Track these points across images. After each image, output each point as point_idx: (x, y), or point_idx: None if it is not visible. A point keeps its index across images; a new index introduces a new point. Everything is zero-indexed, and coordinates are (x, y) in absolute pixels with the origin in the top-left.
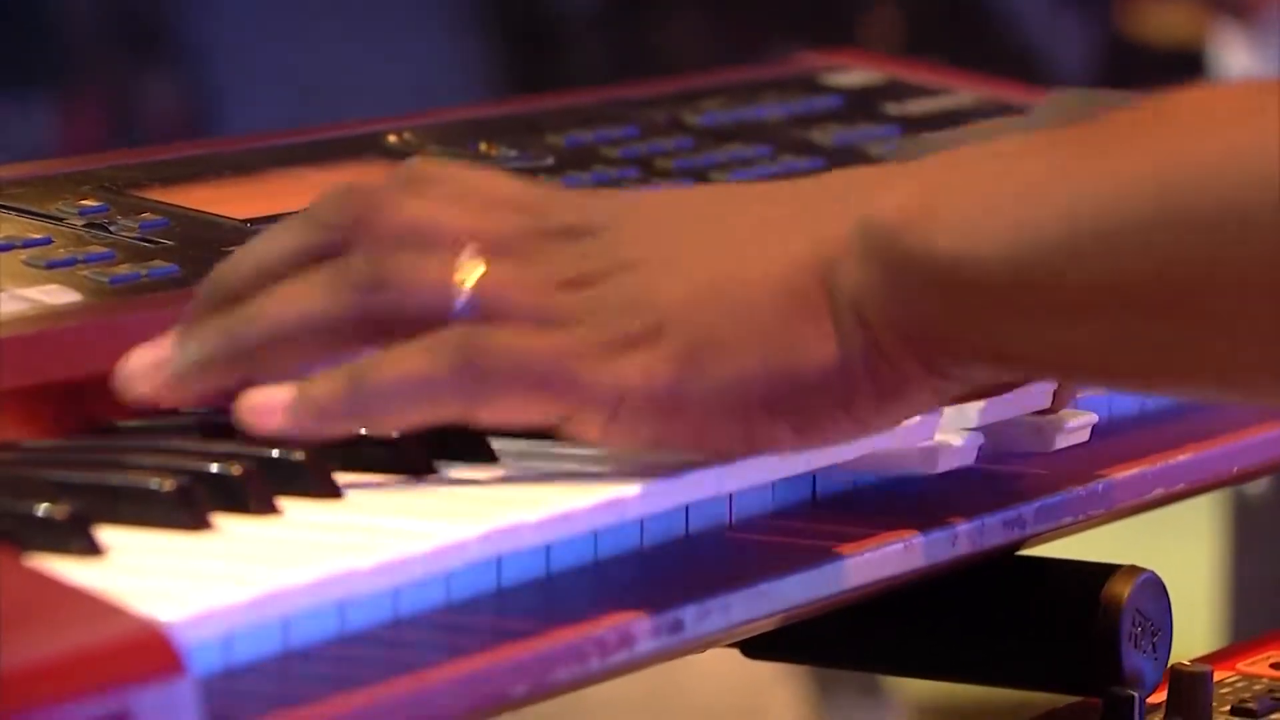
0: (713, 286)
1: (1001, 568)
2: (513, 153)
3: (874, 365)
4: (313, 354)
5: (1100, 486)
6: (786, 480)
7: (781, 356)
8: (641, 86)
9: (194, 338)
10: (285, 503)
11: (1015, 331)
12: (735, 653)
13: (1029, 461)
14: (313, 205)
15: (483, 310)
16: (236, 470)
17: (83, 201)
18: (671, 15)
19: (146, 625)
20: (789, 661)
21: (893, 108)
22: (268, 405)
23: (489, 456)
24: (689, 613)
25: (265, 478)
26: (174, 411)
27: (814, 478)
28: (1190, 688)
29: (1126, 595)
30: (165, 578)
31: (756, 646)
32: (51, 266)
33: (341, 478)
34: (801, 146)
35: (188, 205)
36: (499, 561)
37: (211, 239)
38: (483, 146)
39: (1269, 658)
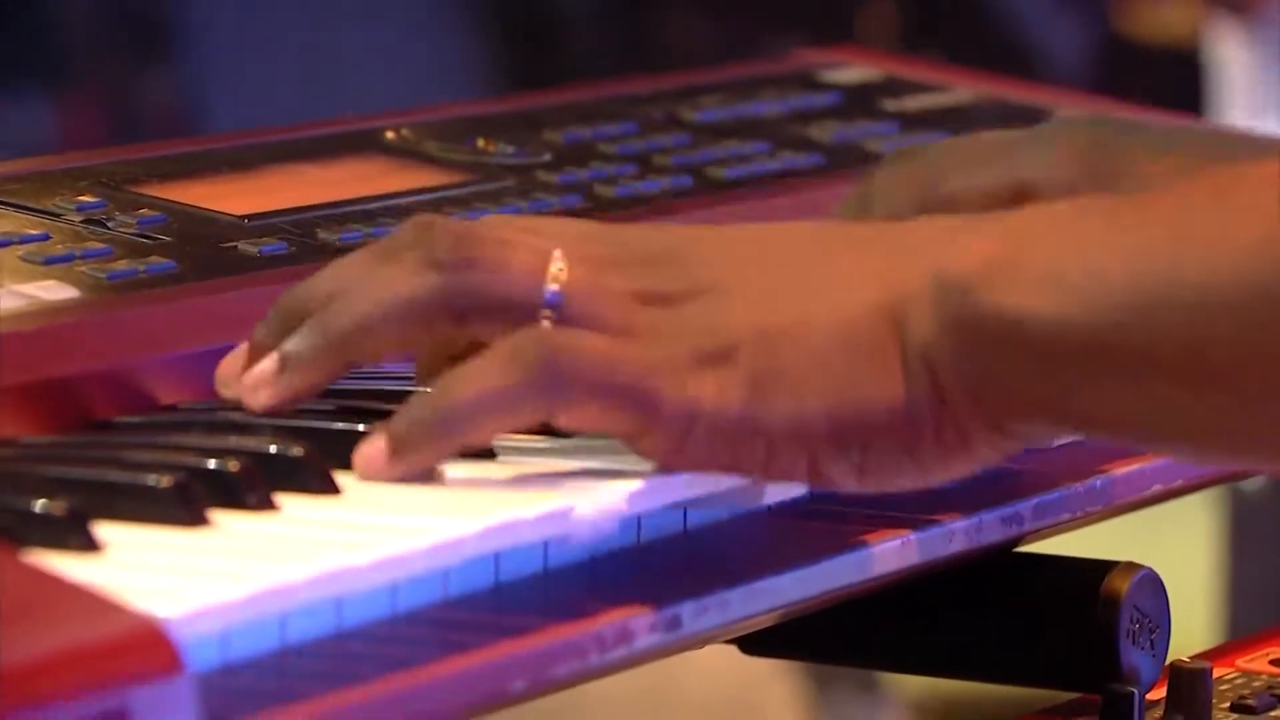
0: (788, 319)
1: (999, 564)
2: (511, 149)
3: (939, 416)
4: (404, 339)
5: (1098, 483)
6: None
7: (849, 395)
8: (640, 83)
9: (288, 337)
10: (283, 499)
11: (1080, 393)
12: (732, 649)
13: (1027, 458)
14: (385, 238)
15: (567, 308)
16: (234, 466)
17: (81, 197)
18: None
19: (144, 621)
20: (786, 658)
21: (891, 104)
22: (367, 455)
23: (487, 453)
24: (687, 609)
25: (263, 474)
26: (171, 407)
27: None
28: (1190, 684)
29: (1124, 591)
30: (163, 574)
31: (754, 643)
32: (49, 263)
33: (341, 474)
34: (800, 143)
35: (186, 201)
36: (496, 558)
37: (209, 235)
38: (481, 142)
39: (1268, 654)
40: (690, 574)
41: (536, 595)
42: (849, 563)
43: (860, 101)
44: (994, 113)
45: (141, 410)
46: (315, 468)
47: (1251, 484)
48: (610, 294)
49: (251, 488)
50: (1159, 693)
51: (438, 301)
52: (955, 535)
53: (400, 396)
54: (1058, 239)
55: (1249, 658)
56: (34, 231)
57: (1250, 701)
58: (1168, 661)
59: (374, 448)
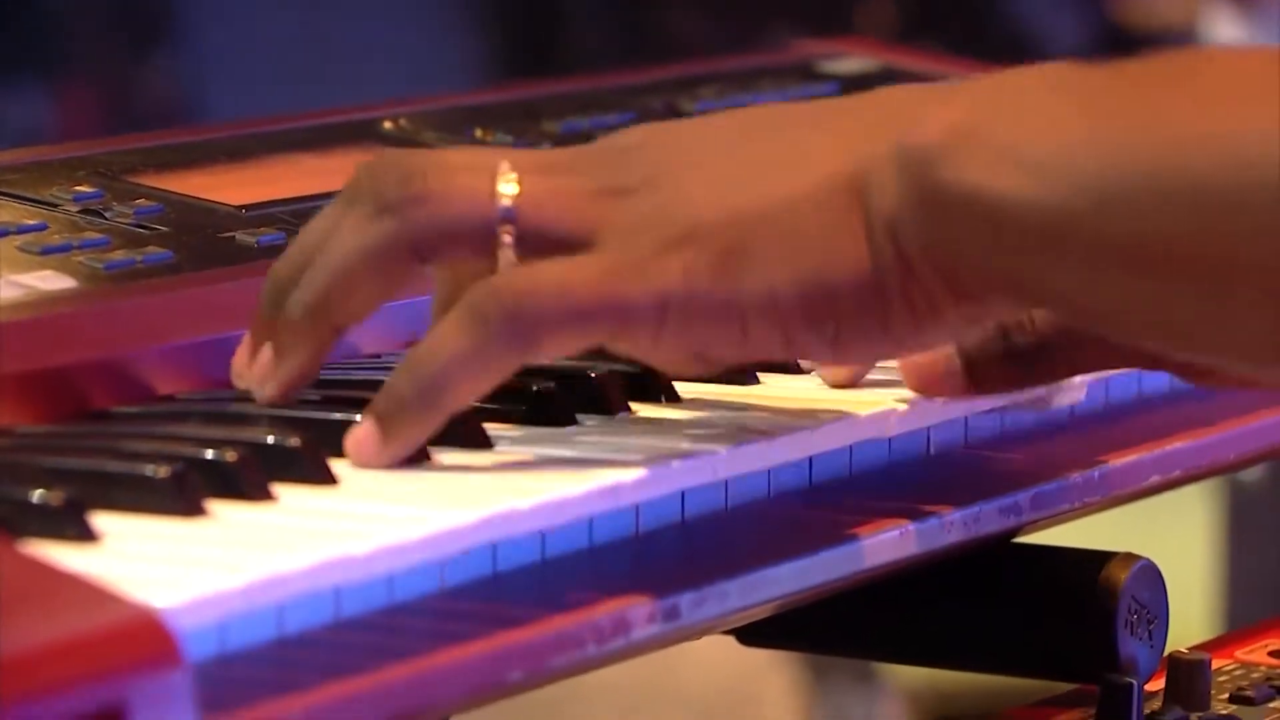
0: (750, 195)
1: (997, 555)
2: (509, 139)
3: (906, 285)
4: (379, 291)
5: (1096, 473)
6: (782, 466)
7: (815, 266)
8: (639, 73)
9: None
10: (280, 489)
11: (1036, 271)
12: (730, 639)
13: (1025, 447)
14: (345, 184)
15: (524, 219)
16: (231, 457)
17: (78, 187)
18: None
19: (141, 612)
20: (784, 648)
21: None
22: (358, 440)
23: (484, 443)
24: (685, 600)
25: (260, 464)
26: (169, 398)
27: (810, 464)
28: (1188, 675)
29: (1123, 582)
30: (160, 564)
31: (751, 633)
32: (46, 253)
33: (338, 464)
34: None
35: (183, 191)
36: (494, 548)
37: (206, 225)
38: (479, 132)
39: (1267, 645)
40: (688, 565)
41: (534, 585)
42: (847, 553)
43: (859, 92)
44: None
45: (139, 400)
46: (312, 458)
47: (1250, 475)
48: (565, 195)
49: (249, 478)
50: (1157, 684)
51: (395, 247)
52: (953, 526)
53: None
54: (1022, 114)
55: (1248, 649)
56: (31, 221)
57: (1249, 693)
58: (1166, 653)
59: (363, 432)
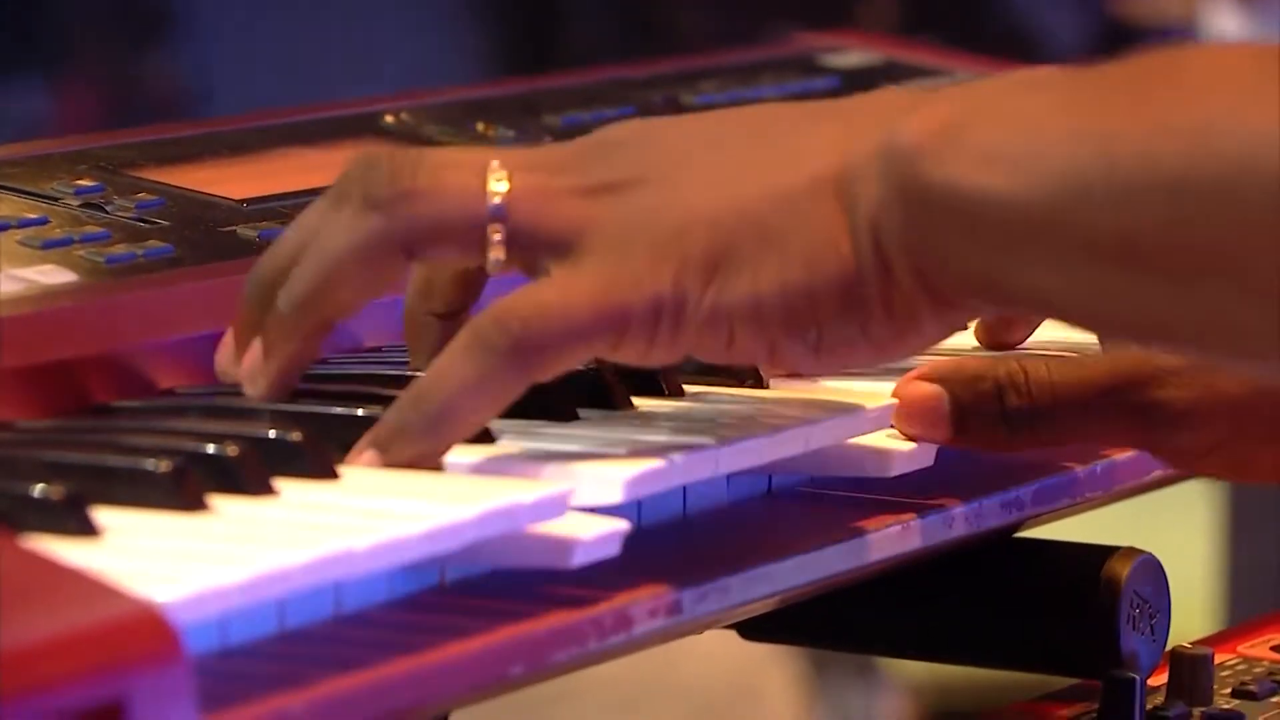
0: (736, 196)
1: (999, 549)
2: (510, 132)
3: (886, 290)
4: (366, 287)
5: (1098, 468)
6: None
7: (797, 271)
8: (639, 67)
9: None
10: (281, 484)
11: (1015, 270)
12: (731, 634)
13: None
14: (336, 179)
15: (513, 217)
16: (232, 451)
17: (79, 181)
18: None
19: (142, 606)
20: (785, 643)
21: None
22: (360, 467)
23: (486, 437)
24: (687, 595)
25: (261, 459)
26: (170, 392)
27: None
28: (1191, 670)
29: (1125, 577)
30: (161, 559)
31: (753, 627)
32: (47, 246)
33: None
34: None
35: (184, 185)
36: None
37: (208, 219)
38: (480, 126)
39: (1269, 640)
40: (690, 560)
41: (536, 580)
42: (849, 548)
43: (859, 86)
44: None
45: (140, 394)
46: (313, 452)
47: None
48: (554, 194)
49: (250, 472)
50: (1160, 678)
51: (384, 242)
52: (955, 520)
53: (398, 380)
54: (1006, 112)
55: (1250, 643)
56: (32, 215)
57: (1252, 687)
58: (1168, 647)
59: (364, 460)
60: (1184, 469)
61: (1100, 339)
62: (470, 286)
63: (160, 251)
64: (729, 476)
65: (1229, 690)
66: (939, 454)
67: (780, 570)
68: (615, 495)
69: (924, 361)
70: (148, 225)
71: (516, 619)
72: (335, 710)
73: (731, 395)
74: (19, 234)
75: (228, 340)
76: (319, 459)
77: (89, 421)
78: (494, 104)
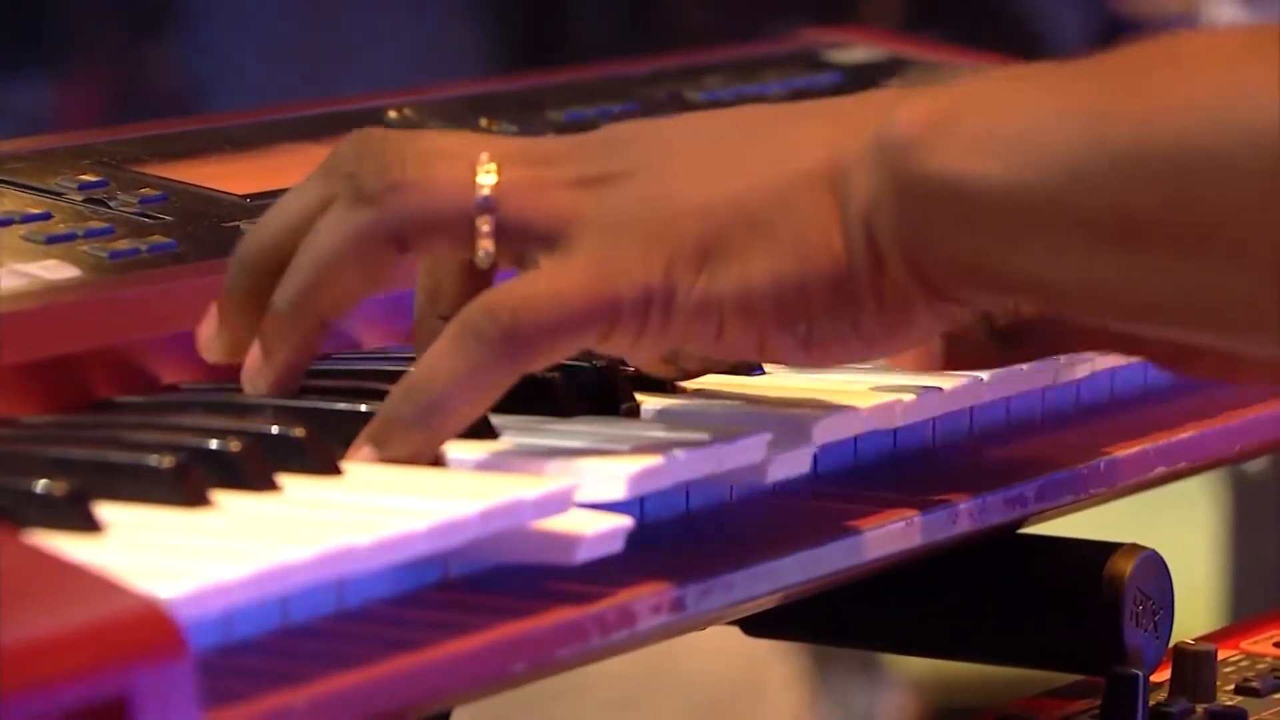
0: (727, 188)
1: (1002, 545)
2: (513, 128)
3: (876, 281)
4: (359, 282)
5: (1102, 464)
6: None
7: (789, 263)
8: (643, 62)
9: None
10: (284, 480)
11: (1012, 256)
12: (735, 629)
13: (1030, 438)
14: (325, 158)
15: (502, 208)
16: (236, 447)
17: (82, 176)
18: None
19: (146, 602)
20: (788, 639)
21: (894, 84)
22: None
23: (489, 433)
24: (691, 591)
25: (264, 454)
26: (173, 387)
27: (815, 454)
28: (1194, 667)
29: (1128, 573)
30: (164, 555)
31: (756, 623)
32: (51, 242)
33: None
34: None
35: (187, 180)
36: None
37: (211, 214)
38: (483, 122)
39: (1272, 636)
40: (694, 556)
41: (539, 577)
42: (853, 545)
43: (863, 81)
44: None
45: (143, 390)
46: (316, 448)
47: (1254, 466)
48: (543, 186)
49: (253, 468)
50: (1163, 675)
51: (375, 237)
52: (958, 517)
53: (401, 377)
54: (996, 101)
55: (1253, 640)
56: (36, 210)
57: (1255, 684)
58: (1172, 644)
59: (362, 457)
60: (1178, 371)
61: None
62: (478, 289)
63: (164, 247)
64: (732, 472)
65: (1232, 687)
66: (945, 450)
67: (783, 566)
68: (619, 491)
69: None
70: (151, 220)
71: (519, 615)
72: (338, 706)
73: (733, 391)
74: (22, 229)
75: (210, 317)
76: (322, 455)
77: (92, 417)
78: (497, 100)
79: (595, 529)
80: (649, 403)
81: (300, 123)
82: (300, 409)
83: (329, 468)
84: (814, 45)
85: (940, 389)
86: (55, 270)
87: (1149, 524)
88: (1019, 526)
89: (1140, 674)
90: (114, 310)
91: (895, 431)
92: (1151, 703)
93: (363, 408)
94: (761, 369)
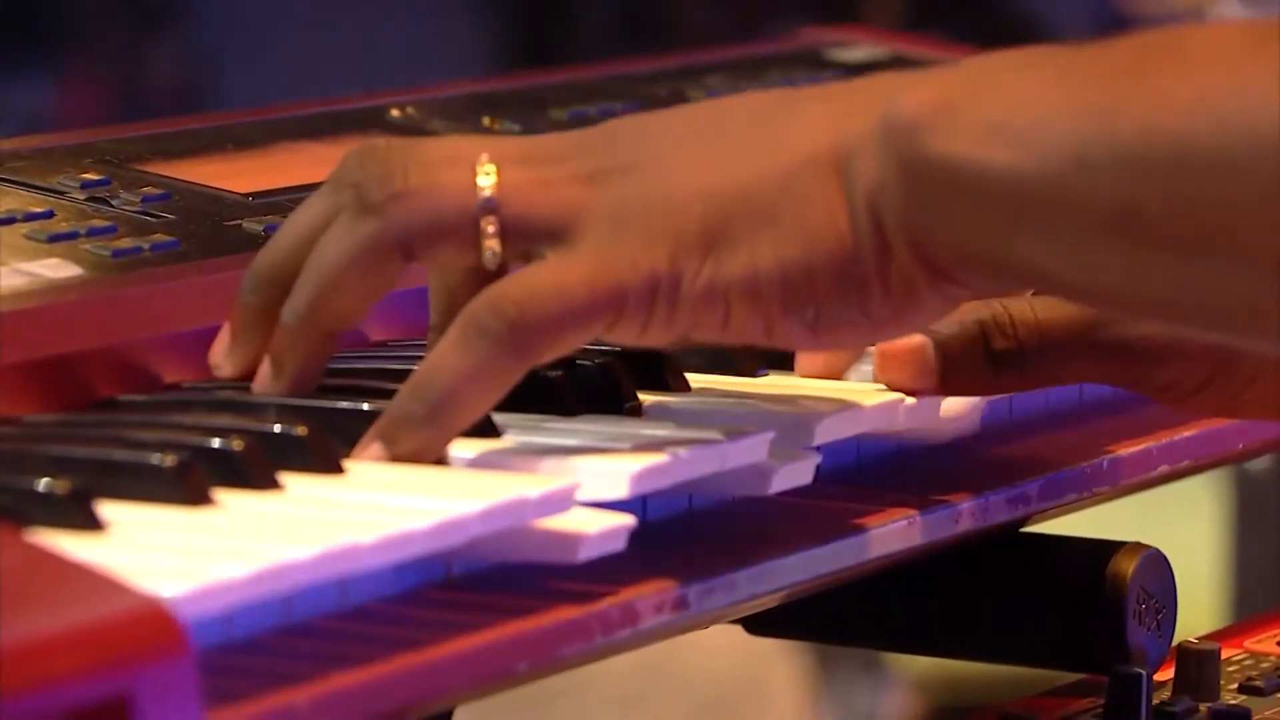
0: (731, 174)
1: (1005, 544)
2: (516, 127)
3: (882, 263)
4: (366, 293)
5: (1105, 463)
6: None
7: (795, 245)
8: (645, 61)
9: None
10: (287, 478)
11: (1015, 243)
12: (737, 628)
13: (1033, 437)
14: (332, 172)
15: (505, 208)
16: (238, 445)
17: (84, 175)
18: None
19: (148, 601)
20: (792, 638)
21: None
22: (366, 461)
23: (493, 432)
24: (693, 590)
25: (266, 453)
26: (175, 386)
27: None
28: (1198, 665)
29: (1131, 572)
30: (167, 553)
31: (759, 622)
32: (53, 240)
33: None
34: None
35: (190, 179)
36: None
37: (213, 213)
38: (485, 120)
39: (1275, 635)
40: (696, 555)
41: (541, 575)
42: (855, 543)
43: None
44: None
45: (145, 389)
46: (319, 447)
47: (1257, 464)
48: (545, 183)
49: (255, 467)
50: (1166, 674)
51: (381, 247)
52: (961, 515)
53: (404, 375)
54: (1005, 87)
55: (1257, 639)
56: (38, 209)
57: (1258, 683)
58: (1175, 643)
59: (371, 454)
60: (1175, 407)
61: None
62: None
63: (166, 245)
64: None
65: (1235, 685)
66: (947, 448)
67: (786, 565)
68: (621, 490)
69: None
70: (153, 219)
71: (522, 614)
72: (340, 705)
73: (736, 390)
74: (25, 228)
75: (223, 335)
76: (324, 453)
77: (94, 416)
78: (500, 98)
79: (597, 528)
80: (651, 400)
81: (302, 121)
82: (302, 407)
83: (331, 466)
84: (816, 44)
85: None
86: (57, 269)
87: (1152, 523)
88: (1022, 525)
89: (1143, 673)
90: (116, 309)
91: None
92: (1155, 702)
93: (365, 406)
94: (765, 369)
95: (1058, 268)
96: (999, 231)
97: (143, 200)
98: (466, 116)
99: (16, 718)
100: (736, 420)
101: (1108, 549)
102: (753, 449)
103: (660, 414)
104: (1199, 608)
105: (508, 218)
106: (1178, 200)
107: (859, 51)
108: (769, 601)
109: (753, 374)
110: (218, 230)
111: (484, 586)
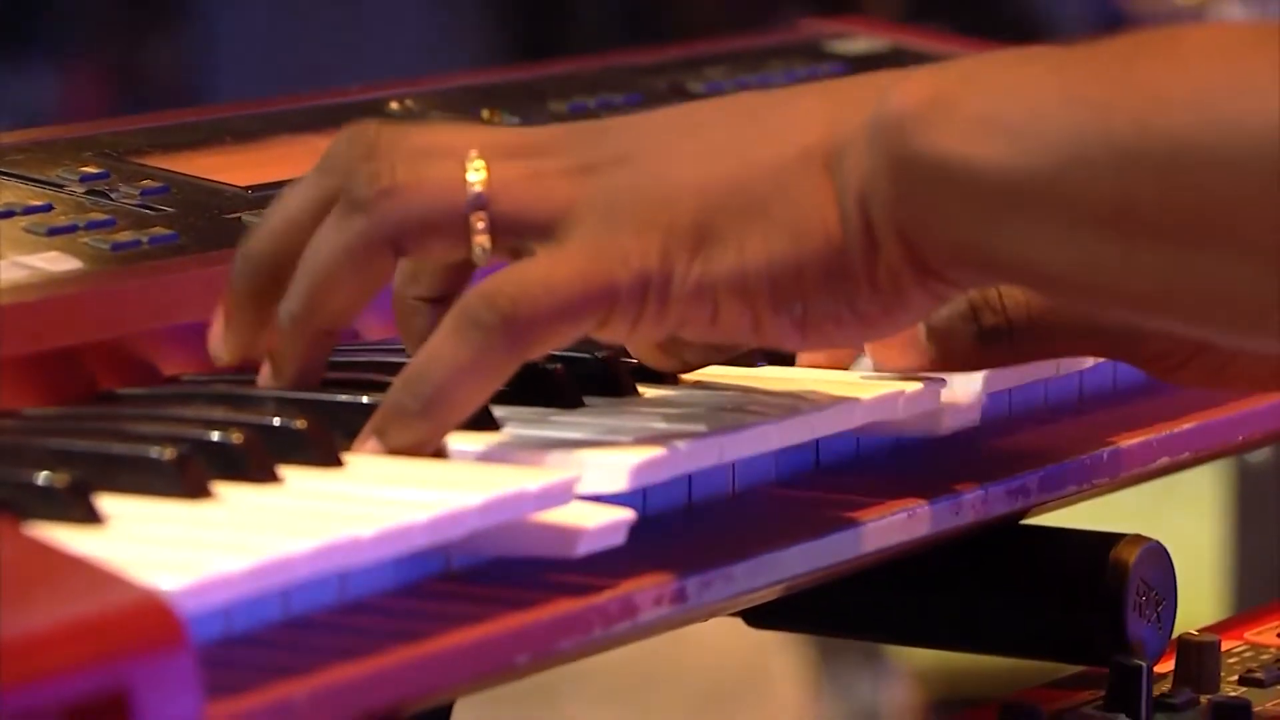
0: (721, 170)
1: (1006, 536)
2: (515, 119)
3: (870, 260)
4: (359, 290)
5: (1105, 455)
6: (790, 448)
7: (783, 244)
8: (645, 53)
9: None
10: (286, 471)
11: (1007, 239)
12: (738, 621)
13: (1033, 429)
14: (321, 156)
15: (495, 204)
16: (237, 438)
17: (83, 168)
18: None
19: (147, 594)
20: (792, 630)
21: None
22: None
23: (491, 425)
24: (692, 582)
25: (266, 446)
26: (174, 379)
27: (818, 445)
28: (1198, 657)
29: (1131, 564)
30: (165, 547)
31: (759, 615)
32: (52, 233)
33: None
34: None
35: (189, 172)
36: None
37: (212, 205)
38: (485, 113)
39: (1276, 627)
40: (695, 547)
41: (541, 568)
42: (855, 536)
43: (866, 72)
44: None
45: (144, 382)
46: (318, 440)
47: (1258, 456)
48: (535, 177)
49: (254, 460)
50: (1166, 665)
51: (372, 244)
52: (961, 507)
53: (401, 368)
54: (998, 83)
55: (1257, 630)
56: (37, 202)
57: (1259, 675)
58: (1175, 635)
59: (367, 449)
60: (1164, 378)
61: (1092, 311)
62: (458, 269)
63: (165, 238)
64: (734, 464)
65: (1236, 677)
66: (947, 440)
67: (786, 558)
68: (621, 483)
69: None
70: (152, 212)
71: (521, 607)
72: (340, 698)
73: (736, 382)
74: (24, 221)
75: (216, 322)
76: (324, 446)
77: (94, 409)
78: (499, 90)
79: (597, 522)
80: (651, 393)
81: (302, 114)
82: (302, 400)
83: (330, 459)
84: (816, 36)
85: (943, 380)
86: (56, 262)
87: (1152, 514)
88: (1022, 517)
89: (1144, 665)
90: (115, 302)
91: None
92: (1155, 693)
93: (364, 399)
94: (764, 361)
95: (1050, 263)
96: (990, 227)
97: (142, 193)
98: (466, 109)
99: (15, 711)
100: (737, 413)
101: (1108, 541)
102: (753, 441)
103: (660, 407)
104: (1199, 599)
105: (497, 213)
106: (1172, 195)
107: (859, 43)
108: (769, 594)
109: (751, 365)
110: (217, 223)
111: (483, 580)
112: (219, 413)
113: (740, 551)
